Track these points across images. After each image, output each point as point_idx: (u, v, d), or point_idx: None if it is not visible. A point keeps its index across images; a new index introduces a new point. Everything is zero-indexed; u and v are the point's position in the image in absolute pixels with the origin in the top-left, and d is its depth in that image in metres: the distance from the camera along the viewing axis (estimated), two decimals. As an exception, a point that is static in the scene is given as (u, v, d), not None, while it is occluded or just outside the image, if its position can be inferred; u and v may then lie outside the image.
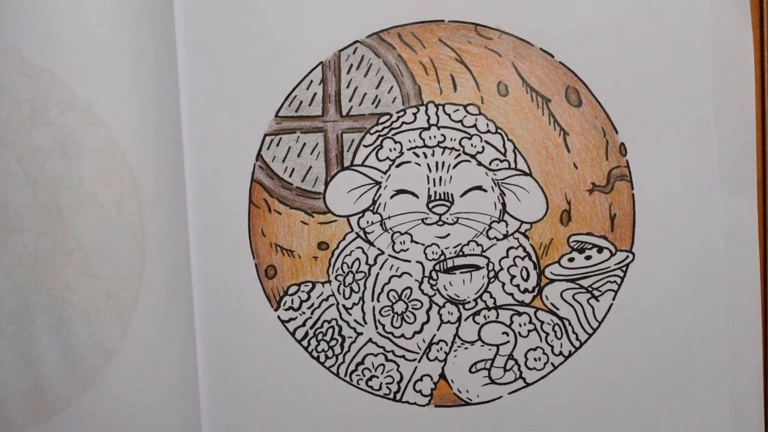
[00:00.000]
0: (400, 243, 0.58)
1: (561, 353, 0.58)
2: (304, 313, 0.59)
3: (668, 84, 0.56)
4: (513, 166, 0.57)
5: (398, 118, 0.57)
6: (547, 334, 0.58)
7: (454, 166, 0.57)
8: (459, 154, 0.57)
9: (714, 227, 0.56)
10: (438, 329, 0.58)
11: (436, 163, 0.57)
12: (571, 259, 0.57)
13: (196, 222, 0.58)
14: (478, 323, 0.58)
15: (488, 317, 0.58)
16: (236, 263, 0.58)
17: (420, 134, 0.57)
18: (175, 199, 0.57)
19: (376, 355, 0.59)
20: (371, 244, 0.58)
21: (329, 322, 0.59)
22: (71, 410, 0.59)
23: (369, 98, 0.57)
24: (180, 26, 0.57)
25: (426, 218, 0.57)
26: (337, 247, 0.58)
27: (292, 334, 0.59)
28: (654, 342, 0.57)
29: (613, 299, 0.57)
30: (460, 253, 0.57)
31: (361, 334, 0.59)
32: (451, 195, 0.57)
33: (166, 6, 0.56)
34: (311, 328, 0.59)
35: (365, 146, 0.57)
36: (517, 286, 0.58)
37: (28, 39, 0.56)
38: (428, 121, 0.57)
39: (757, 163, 0.56)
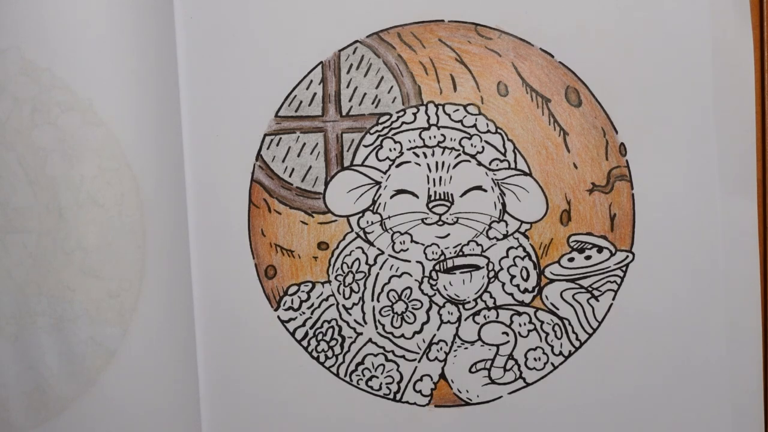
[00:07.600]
0: (400, 243, 0.58)
1: (561, 353, 0.58)
2: (303, 313, 0.59)
3: (668, 84, 0.55)
4: (513, 166, 0.57)
5: (398, 118, 0.57)
6: (547, 334, 0.58)
7: (454, 166, 0.57)
8: (459, 154, 0.57)
9: (714, 227, 0.56)
10: (438, 329, 0.58)
11: (436, 163, 0.57)
12: (571, 259, 0.57)
13: (196, 222, 0.58)
14: (478, 323, 0.58)
15: (488, 317, 0.58)
16: (236, 263, 0.58)
17: (420, 134, 0.57)
18: (175, 199, 0.57)
19: (376, 355, 0.59)
20: (371, 244, 0.58)
21: (329, 322, 0.59)
22: (72, 410, 0.59)
23: (369, 98, 0.57)
24: (180, 26, 0.57)
25: (426, 218, 0.57)
26: (337, 247, 0.58)
27: (292, 334, 0.59)
28: (654, 342, 0.57)
29: (613, 299, 0.57)
30: (460, 253, 0.57)
31: (361, 334, 0.59)
32: (451, 195, 0.57)
33: (166, 6, 0.56)
34: (311, 328, 0.59)
35: (365, 146, 0.57)
36: (517, 286, 0.57)
37: (29, 39, 0.56)
38: (428, 121, 0.57)
39: (757, 163, 0.56)
